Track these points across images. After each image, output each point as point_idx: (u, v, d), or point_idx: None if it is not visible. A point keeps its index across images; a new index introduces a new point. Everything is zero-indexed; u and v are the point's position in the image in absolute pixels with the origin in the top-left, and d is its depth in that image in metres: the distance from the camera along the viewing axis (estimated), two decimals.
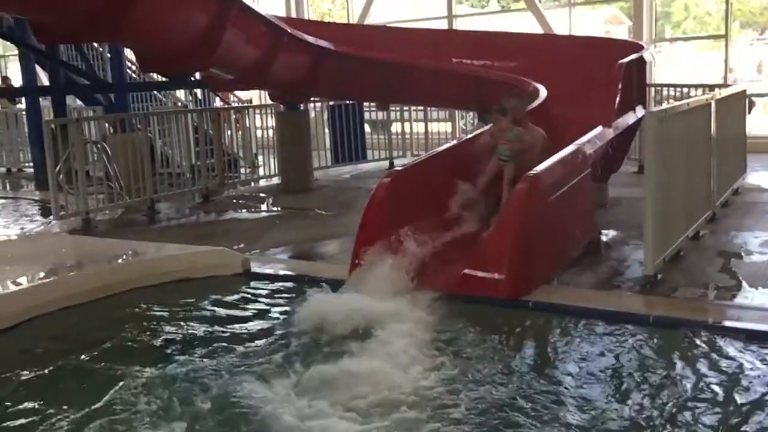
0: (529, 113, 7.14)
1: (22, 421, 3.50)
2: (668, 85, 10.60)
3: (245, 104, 13.95)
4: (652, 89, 10.49)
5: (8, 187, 12.62)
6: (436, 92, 9.75)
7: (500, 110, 6.14)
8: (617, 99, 7.34)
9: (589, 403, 3.46)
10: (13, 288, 5.45)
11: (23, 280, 5.65)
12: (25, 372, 4.04)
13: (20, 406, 3.64)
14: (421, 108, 12.81)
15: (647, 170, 5.05)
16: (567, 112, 7.52)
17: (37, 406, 3.62)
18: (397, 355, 3.94)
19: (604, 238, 6.51)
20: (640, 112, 7.80)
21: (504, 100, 6.31)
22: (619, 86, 7.41)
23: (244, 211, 9.10)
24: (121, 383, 3.78)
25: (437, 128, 13.61)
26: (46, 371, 4.06)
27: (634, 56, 8.06)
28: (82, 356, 4.21)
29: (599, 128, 6.64)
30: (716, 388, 3.53)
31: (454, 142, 8.00)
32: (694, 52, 15.40)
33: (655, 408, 3.37)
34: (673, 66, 14.75)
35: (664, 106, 5.96)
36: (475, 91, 9.27)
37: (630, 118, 7.60)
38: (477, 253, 5.15)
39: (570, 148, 5.92)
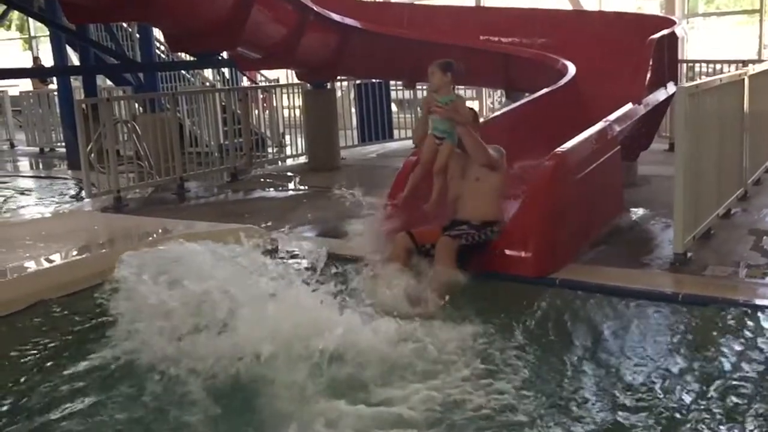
0: (559, 90, 7.08)
1: (49, 384, 3.63)
2: (701, 61, 10.40)
3: (272, 83, 13.98)
4: (684, 65, 10.30)
5: (41, 167, 12.84)
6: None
7: (442, 64, 4.87)
8: (648, 75, 7.23)
9: (619, 381, 3.45)
10: (46, 265, 5.58)
11: (56, 257, 5.78)
12: (53, 343, 4.14)
13: (45, 373, 3.76)
14: None
15: (677, 147, 4.98)
16: (597, 88, 7.43)
17: (60, 372, 3.74)
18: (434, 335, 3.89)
19: (633, 217, 6.44)
20: (671, 88, 7.67)
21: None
22: (650, 62, 7.29)
23: (271, 190, 9.16)
24: (141, 356, 3.82)
25: None
26: (73, 343, 4.15)
27: (665, 32, 7.91)
28: (109, 329, 4.30)
29: (629, 105, 6.55)
30: (746, 367, 3.50)
31: (481, 120, 7.95)
32: (728, 28, 15.04)
33: (690, 388, 3.35)
34: (706, 42, 14.44)
35: (696, 82, 5.85)
36: (503, 69, 9.19)
37: (661, 95, 7.49)
38: (503, 229, 5.13)
39: (599, 126, 5.85)
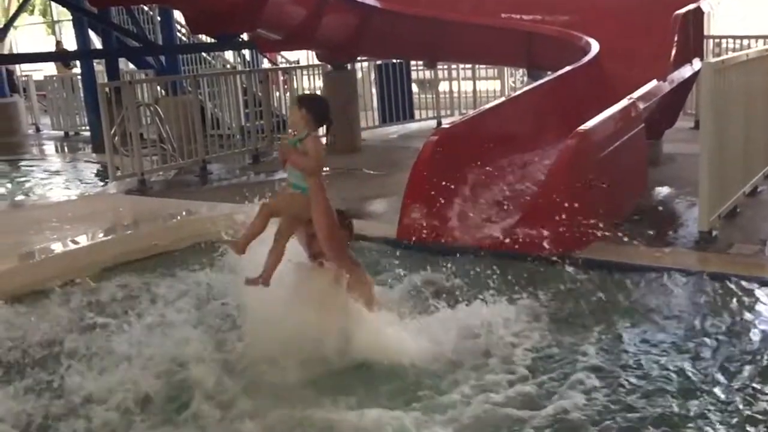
0: (582, 68, 6.99)
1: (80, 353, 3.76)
2: (727, 37, 10.22)
3: (293, 65, 13.97)
4: (711, 41, 10.12)
5: (66, 150, 12.99)
6: (484, 49, 9.59)
7: (299, 98, 4.02)
8: (673, 51, 7.12)
9: (648, 360, 3.44)
10: (72, 246, 5.69)
11: (83, 239, 5.89)
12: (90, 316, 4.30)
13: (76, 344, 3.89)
14: (469, 66, 12.64)
15: (703, 123, 4.92)
16: (620, 66, 7.33)
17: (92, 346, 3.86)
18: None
19: (657, 196, 6.38)
20: (696, 64, 7.55)
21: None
22: (675, 38, 7.18)
23: None
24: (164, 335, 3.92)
25: (485, 86, 13.42)
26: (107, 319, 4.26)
27: (691, 6, 7.77)
28: (135, 307, 4.39)
29: (653, 82, 6.46)
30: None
31: (502, 99, 7.90)
32: (756, 2, 14.73)
33: (719, 367, 3.34)
34: (733, 17, 14.16)
35: (722, 57, 5.74)
36: (524, 47, 9.09)
37: (686, 71, 7.37)
38: (526, 209, 5.12)
39: (622, 104, 5.78)
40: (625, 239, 5.09)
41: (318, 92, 11.61)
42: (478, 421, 3.01)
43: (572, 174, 5.03)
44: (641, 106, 5.94)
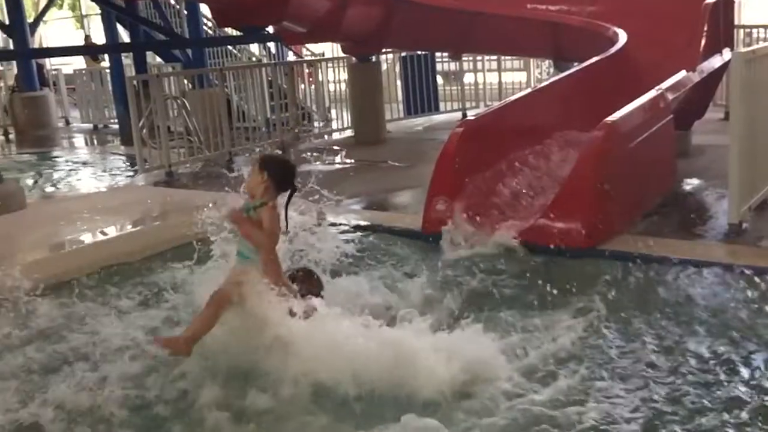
0: (610, 59, 6.91)
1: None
2: (758, 27, 10.03)
3: (318, 57, 14.01)
4: (741, 31, 9.94)
5: (95, 143, 13.18)
6: (510, 40, 9.53)
7: (261, 159, 3.59)
8: (702, 41, 7.01)
9: (679, 351, 3.41)
10: (102, 238, 5.79)
11: (111, 230, 5.98)
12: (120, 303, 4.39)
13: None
14: (495, 57, 12.57)
15: (732, 114, 4.85)
16: (649, 56, 7.23)
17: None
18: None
19: (686, 187, 6.30)
20: (726, 54, 7.42)
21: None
22: (705, 28, 7.07)
23: (318, 163, 9.21)
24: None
25: (511, 78, 13.34)
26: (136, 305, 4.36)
27: None
28: (164, 292, 4.46)
29: (682, 72, 6.38)
30: None
31: (528, 91, 7.84)
32: None
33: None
34: (764, 6, 13.89)
35: (753, 47, 5.64)
36: (551, 38, 9.01)
37: (716, 62, 7.26)
38: (552, 201, 5.09)
39: (650, 94, 5.72)
40: (653, 231, 5.06)
41: (344, 85, 11.64)
42: (519, 424, 2.89)
43: (600, 166, 4.99)
44: (670, 96, 5.87)
